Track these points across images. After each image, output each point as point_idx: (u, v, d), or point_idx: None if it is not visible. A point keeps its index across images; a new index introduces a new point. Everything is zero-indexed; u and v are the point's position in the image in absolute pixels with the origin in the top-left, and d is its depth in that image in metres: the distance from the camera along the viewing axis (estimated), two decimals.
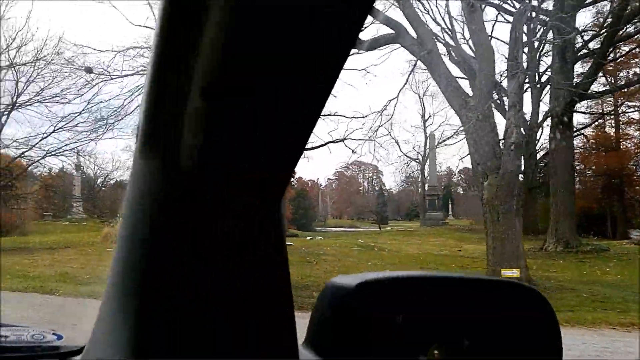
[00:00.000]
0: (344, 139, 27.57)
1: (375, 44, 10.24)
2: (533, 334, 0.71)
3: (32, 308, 6.96)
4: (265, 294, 0.52)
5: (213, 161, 0.45)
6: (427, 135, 33.23)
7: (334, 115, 26.02)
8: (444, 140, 31.62)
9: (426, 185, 32.71)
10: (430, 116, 35.28)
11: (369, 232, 28.08)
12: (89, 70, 12.13)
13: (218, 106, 0.41)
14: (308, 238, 16.93)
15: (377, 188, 61.49)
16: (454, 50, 9.83)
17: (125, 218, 0.54)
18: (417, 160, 35.95)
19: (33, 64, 16.18)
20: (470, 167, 10.04)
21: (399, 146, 33.98)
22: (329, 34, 0.38)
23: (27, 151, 16.45)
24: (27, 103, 16.47)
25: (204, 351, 0.50)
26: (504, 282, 0.79)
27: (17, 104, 16.25)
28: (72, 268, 10.86)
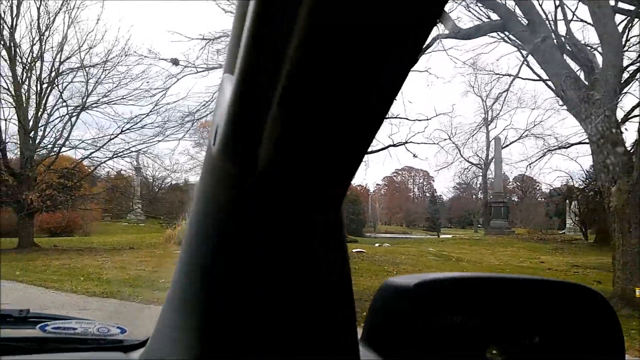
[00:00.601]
0: (406, 142, 26.45)
1: (478, 32, 9.27)
2: (595, 334, 0.69)
3: (118, 317, 6.35)
4: (328, 297, 0.53)
5: (285, 168, 0.46)
6: (490, 139, 31.70)
7: (396, 117, 24.93)
8: (510, 144, 30.04)
9: (489, 192, 31.13)
10: (493, 119, 33.73)
11: (427, 239, 26.78)
12: (175, 61, 11.69)
13: (293, 115, 0.42)
14: (376, 245, 16.01)
15: (427, 194, 59.92)
16: (568, 39, 8.69)
17: (194, 219, 0.55)
18: (479, 166, 34.39)
19: (102, 65, 16.09)
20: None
21: (459, 150, 32.60)
22: (398, 44, 0.39)
23: (94, 152, 16.34)
24: (95, 105, 16.39)
25: (266, 349, 0.52)
26: (563, 284, 0.77)
27: (86, 105, 16.16)
28: (145, 271, 10.38)
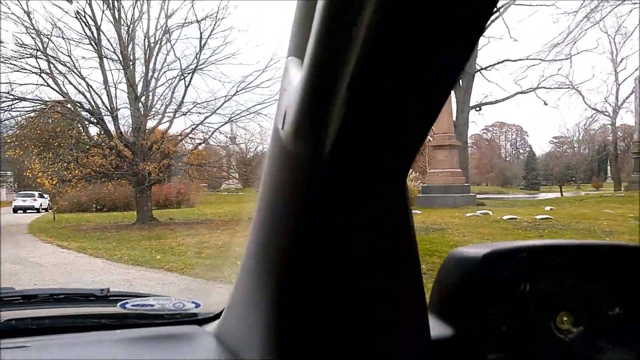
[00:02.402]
0: (537, 87, 22.37)
1: None
2: None
3: None
4: (395, 269, 0.53)
5: (353, 150, 0.46)
6: (619, 81, 27.01)
7: (526, 59, 20.88)
8: None
9: (618, 142, 26.58)
10: (622, 59, 28.85)
11: (565, 199, 23.00)
12: None
13: (361, 98, 0.43)
14: (547, 208, 12.94)
15: (521, 151, 54.90)
16: None
17: (263, 200, 0.56)
18: (606, 113, 29.77)
19: (215, 17, 13.84)
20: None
21: (583, 97, 28.17)
22: (458, 32, 0.40)
23: (209, 116, 14.26)
24: (204, 64, 14.27)
25: (334, 319, 0.53)
26: (634, 248, 0.69)
27: (199, 63, 14.04)
28: None
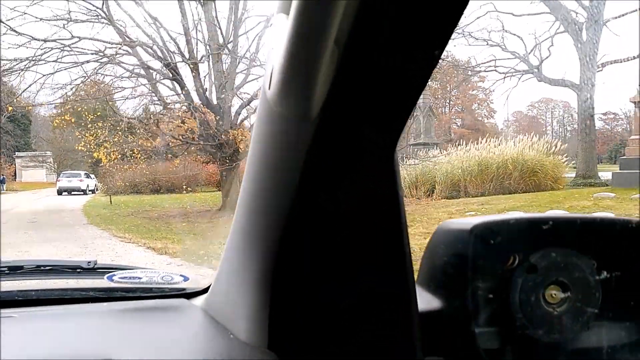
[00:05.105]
0: None
1: None
2: None
3: None
4: (381, 239, 0.52)
5: (339, 112, 0.44)
6: None
7: None
8: None
9: None
10: None
11: None
12: None
13: (346, 53, 0.40)
14: None
15: (568, 128, 50.11)
16: None
17: (252, 162, 0.53)
18: None
19: None
20: None
21: None
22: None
23: None
24: None
25: (322, 289, 0.52)
26: (623, 221, 0.67)
27: None
28: None
